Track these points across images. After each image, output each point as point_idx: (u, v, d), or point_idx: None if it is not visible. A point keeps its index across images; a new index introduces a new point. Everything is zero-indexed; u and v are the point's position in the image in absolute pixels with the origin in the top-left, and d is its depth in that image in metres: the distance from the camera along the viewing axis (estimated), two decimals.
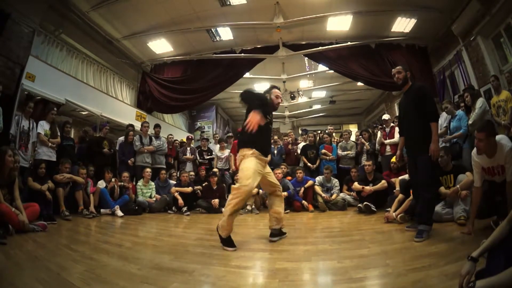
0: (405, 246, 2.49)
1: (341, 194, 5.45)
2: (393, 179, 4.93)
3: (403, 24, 7.12)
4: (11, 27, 5.03)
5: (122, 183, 5.28)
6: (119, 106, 7.97)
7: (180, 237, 3.27)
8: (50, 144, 4.80)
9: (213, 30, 7.51)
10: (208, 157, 7.02)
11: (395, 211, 3.70)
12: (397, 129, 5.76)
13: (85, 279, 1.79)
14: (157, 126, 6.58)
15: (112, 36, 7.45)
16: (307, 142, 6.61)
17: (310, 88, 11.70)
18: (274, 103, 2.95)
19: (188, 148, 7.05)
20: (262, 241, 2.87)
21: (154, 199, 5.49)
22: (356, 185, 4.99)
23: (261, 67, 8.80)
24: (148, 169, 5.68)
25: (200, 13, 6.81)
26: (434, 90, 7.18)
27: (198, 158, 6.97)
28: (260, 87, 10.63)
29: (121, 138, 6.21)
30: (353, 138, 6.92)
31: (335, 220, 4.34)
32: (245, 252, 2.45)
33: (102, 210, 4.87)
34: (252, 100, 2.72)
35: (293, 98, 11.16)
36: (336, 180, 5.63)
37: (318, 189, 5.34)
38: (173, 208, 5.42)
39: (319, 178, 5.58)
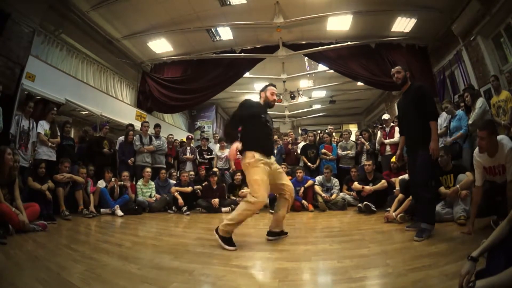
0: (405, 246, 2.49)
1: (341, 194, 5.45)
2: (393, 179, 4.93)
3: (403, 24, 7.12)
4: (11, 27, 5.03)
5: (122, 183, 5.28)
6: (119, 106, 7.97)
7: (180, 237, 3.27)
8: (50, 144, 4.80)
9: (213, 30, 7.51)
10: (208, 156, 7.02)
11: (395, 211, 3.70)
12: (397, 129, 5.76)
13: (85, 279, 1.79)
14: (157, 126, 6.58)
15: (112, 36, 7.44)
16: (307, 142, 6.61)
17: (310, 88, 11.70)
18: (269, 100, 2.94)
19: (188, 148, 7.05)
20: (262, 241, 2.87)
21: (154, 198, 5.50)
22: (356, 184, 4.99)
23: (261, 66, 8.79)
24: (148, 169, 5.68)
25: (200, 13, 6.81)
26: (434, 90, 7.18)
27: (198, 157, 6.98)
28: (260, 86, 10.62)
29: (121, 138, 6.20)
30: (353, 138, 6.92)
31: (335, 220, 4.34)
32: (245, 252, 2.45)
33: (102, 210, 4.86)
34: (231, 134, 2.85)
35: (293, 97, 11.16)
36: (336, 180, 5.63)
37: (318, 188, 5.34)
38: (173, 207, 5.42)
39: (319, 178, 5.58)
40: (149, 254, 2.44)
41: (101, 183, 5.14)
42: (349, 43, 7.78)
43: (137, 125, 7.20)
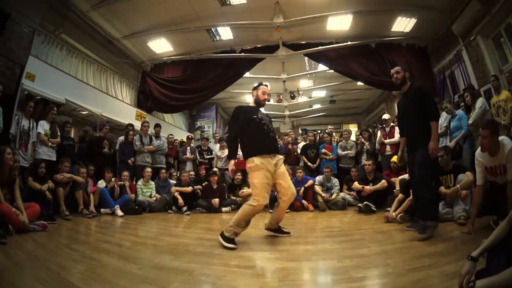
0: (405, 246, 2.49)
1: (341, 194, 5.45)
2: (393, 179, 4.93)
3: (403, 24, 7.11)
4: (11, 27, 5.02)
5: (122, 183, 5.28)
6: (119, 106, 7.97)
7: (180, 237, 3.27)
8: (50, 144, 4.80)
9: (213, 29, 7.50)
10: (208, 156, 7.02)
11: (395, 210, 3.70)
12: (397, 128, 5.76)
13: (85, 279, 1.79)
14: (157, 125, 6.58)
15: (112, 35, 7.44)
16: (307, 142, 6.61)
17: (310, 88, 11.69)
18: (260, 99, 2.97)
19: (188, 148, 7.05)
20: (262, 241, 2.87)
21: (154, 198, 5.50)
22: (356, 184, 4.99)
23: (261, 66, 8.79)
24: (149, 169, 5.68)
25: (200, 13, 6.81)
26: (434, 90, 7.18)
27: (198, 157, 6.98)
28: None
29: (121, 138, 6.20)
30: (353, 137, 6.92)
31: (335, 219, 4.34)
32: (245, 252, 2.45)
33: (102, 210, 4.87)
34: (232, 150, 3.02)
35: (293, 97, 11.16)
36: (336, 179, 5.63)
37: (318, 188, 5.34)
38: (173, 207, 5.42)
39: (319, 178, 5.58)
40: (149, 254, 2.44)
41: (101, 183, 5.14)
42: (349, 43, 7.77)
43: (137, 125, 7.19)
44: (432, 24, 6.95)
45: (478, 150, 2.81)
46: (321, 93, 12.43)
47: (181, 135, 9.64)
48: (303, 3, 6.54)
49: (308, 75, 10.61)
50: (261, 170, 2.65)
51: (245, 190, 5.42)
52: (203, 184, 5.76)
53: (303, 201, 5.20)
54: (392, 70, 3.11)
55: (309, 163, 6.27)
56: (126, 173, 5.39)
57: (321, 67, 9.37)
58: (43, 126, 4.81)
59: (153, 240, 3.11)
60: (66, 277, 1.82)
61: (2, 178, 3.25)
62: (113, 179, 5.23)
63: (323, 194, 5.28)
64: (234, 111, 2.98)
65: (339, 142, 6.67)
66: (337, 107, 13.78)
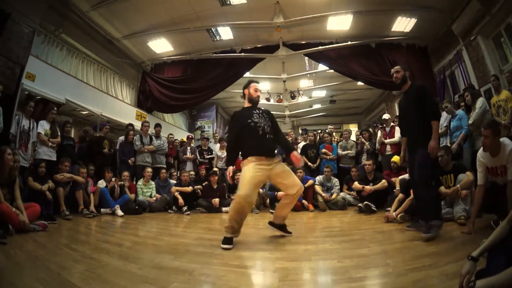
0: (405, 246, 2.49)
1: (341, 194, 5.46)
2: (393, 179, 4.93)
3: (403, 24, 7.11)
4: (11, 27, 5.02)
5: (122, 183, 5.28)
6: (119, 106, 7.97)
7: (181, 237, 3.27)
8: (50, 144, 4.80)
9: (213, 29, 7.51)
10: (208, 156, 7.02)
11: (395, 210, 3.70)
12: (397, 128, 5.77)
13: (85, 279, 1.79)
14: (157, 125, 6.58)
15: (112, 35, 7.44)
16: (307, 142, 6.61)
17: (310, 88, 11.69)
18: (253, 96, 2.96)
19: (188, 148, 7.05)
20: (262, 241, 2.87)
21: (155, 198, 5.50)
22: (356, 184, 4.99)
23: (261, 66, 8.78)
24: (149, 169, 5.68)
25: (200, 13, 6.81)
26: (435, 90, 7.18)
27: (198, 157, 6.98)
28: (260, 86, 10.60)
29: (122, 138, 6.21)
30: (353, 137, 6.92)
31: (335, 219, 4.34)
32: (245, 252, 2.45)
33: (102, 210, 4.87)
34: (231, 158, 3.03)
35: (293, 97, 11.17)
36: (336, 179, 5.63)
37: (318, 188, 5.34)
38: (174, 207, 5.42)
39: (319, 178, 5.58)
40: (150, 254, 2.43)
41: (101, 183, 5.14)
42: (349, 42, 7.78)
43: (137, 125, 7.20)
44: (432, 24, 6.95)
45: (480, 150, 2.83)
46: (321, 93, 12.42)
47: (181, 135, 9.64)
48: (303, 3, 6.54)
49: (308, 75, 10.61)
50: (251, 163, 2.71)
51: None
52: (203, 184, 5.76)
53: (303, 201, 5.19)
54: (392, 70, 3.11)
55: (309, 163, 6.27)
56: (126, 174, 5.40)
57: (321, 67, 9.37)
58: (43, 126, 4.81)
59: (153, 240, 3.11)
60: (66, 277, 1.81)
61: (2, 178, 3.25)
62: (113, 179, 5.23)
63: (323, 194, 5.28)
64: (231, 119, 3.02)
65: (339, 142, 6.67)
66: (337, 107, 13.78)
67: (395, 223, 3.56)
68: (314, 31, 7.60)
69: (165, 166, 6.40)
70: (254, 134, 2.77)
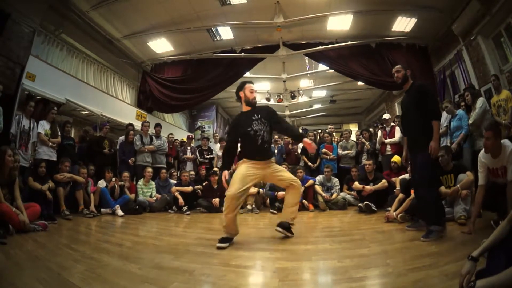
0: (405, 246, 2.49)
1: (342, 194, 5.46)
2: (393, 179, 4.93)
3: (403, 24, 7.11)
4: (11, 27, 5.02)
5: (123, 183, 5.28)
6: (119, 106, 7.97)
7: (181, 237, 3.27)
8: (50, 144, 4.80)
9: (213, 29, 7.51)
10: (208, 156, 7.03)
11: (395, 210, 3.70)
12: (397, 128, 5.78)
13: (85, 279, 1.79)
14: (157, 125, 6.59)
15: (112, 35, 7.44)
16: None
17: (310, 88, 11.69)
18: (249, 98, 2.87)
19: (189, 148, 7.06)
20: (262, 241, 2.87)
21: (155, 198, 5.50)
22: (356, 184, 4.99)
23: (262, 66, 8.79)
24: (150, 169, 5.68)
25: (200, 13, 6.81)
26: (435, 90, 7.17)
27: (199, 157, 6.98)
28: (261, 86, 10.64)
29: (122, 138, 6.21)
30: (353, 137, 6.92)
31: (336, 219, 4.34)
32: (245, 252, 2.45)
33: (102, 210, 4.87)
34: (223, 162, 3.09)
35: (293, 97, 11.16)
36: (337, 179, 5.63)
37: (318, 188, 5.34)
38: (174, 207, 5.42)
39: (319, 178, 5.58)
40: (150, 254, 2.43)
41: (102, 183, 5.14)
42: (349, 42, 7.77)
43: (138, 125, 7.20)
44: (432, 24, 6.95)
45: (482, 151, 2.84)
46: (322, 93, 12.42)
47: (182, 135, 9.64)
48: (303, 3, 6.54)
49: (308, 75, 10.60)
50: (245, 163, 2.77)
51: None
52: (204, 184, 5.76)
53: (304, 201, 5.19)
54: (393, 69, 3.10)
55: (309, 163, 6.27)
56: (126, 174, 5.40)
57: (322, 67, 9.36)
58: (44, 126, 4.81)
59: (154, 240, 3.11)
60: (67, 277, 1.81)
61: (2, 178, 3.25)
62: (113, 179, 5.23)
63: (324, 194, 5.28)
64: (230, 124, 3.03)
65: (339, 142, 6.68)
66: (337, 107, 13.78)
67: (395, 223, 3.56)
68: (314, 31, 7.60)
69: (165, 166, 6.40)
70: (253, 143, 2.78)
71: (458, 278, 1.39)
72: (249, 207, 5.18)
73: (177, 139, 7.78)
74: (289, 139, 7.02)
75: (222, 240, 2.58)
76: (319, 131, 8.18)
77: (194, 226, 4.12)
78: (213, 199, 5.30)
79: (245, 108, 2.92)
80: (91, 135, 6.37)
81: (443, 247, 2.35)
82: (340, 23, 7.21)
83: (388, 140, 5.78)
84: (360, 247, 2.53)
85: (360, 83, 9.55)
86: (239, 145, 3.00)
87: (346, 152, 6.24)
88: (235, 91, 2.98)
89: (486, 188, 2.80)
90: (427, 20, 6.81)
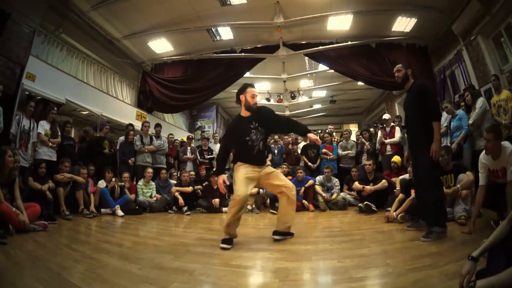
0: (405, 246, 2.49)
1: (342, 194, 5.45)
2: (393, 179, 4.93)
3: (403, 24, 7.11)
4: (11, 27, 5.02)
5: (123, 183, 5.28)
6: (119, 106, 7.97)
7: (181, 237, 3.27)
8: (50, 144, 4.80)
9: (213, 29, 7.51)
10: (208, 156, 7.02)
11: (395, 210, 3.70)
12: (397, 128, 5.78)
13: (85, 279, 1.79)
14: (158, 125, 6.59)
15: (112, 35, 7.44)
16: (308, 142, 6.61)
17: (310, 88, 11.69)
18: (250, 104, 2.79)
19: (189, 148, 7.06)
20: (262, 241, 2.87)
21: (155, 198, 5.49)
22: (356, 184, 4.99)
23: (262, 66, 8.79)
24: (150, 170, 5.68)
25: (200, 13, 6.81)
26: (435, 90, 7.18)
27: (199, 157, 6.98)
28: (261, 86, 10.64)
29: (122, 138, 6.21)
30: (353, 137, 6.92)
31: (336, 219, 4.34)
32: (246, 252, 2.45)
33: (102, 210, 4.87)
34: (217, 167, 3.05)
35: (293, 97, 11.18)
36: (337, 179, 5.63)
37: (318, 188, 5.34)
38: (174, 207, 5.42)
39: (319, 178, 5.58)
40: (150, 254, 2.43)
41: (102, 183, 5.13)
42: (349, 42, 7.77)
43: (138, 125, 7.20)
44: (433, 24, 6.95)
45: (483, 153, 2.85)
46: (322, 93, 12.42)
47: (182, 135, 9.65)
48: (304, 3, 6.54)
49: (308, 75, 10.60)
50: (242, 166, 2.76)
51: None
52: (204, 184, 5.76)
53: (304, 201, 5.20)
54: (394, 69, 3.10)
55: (309, 163, 6.27)
56: (126, 175, 5.39)
57: (322, 67, 9.36)
58: (44, 126, 4.81)
59: (154, 240, 3.11)
60: (67, 277, 1.82)
61: (2, 178, 3.26)
62: (113, 179, 5.22)
63: (324, 194, 5.28)
64: (228, 128, 3.00)
65: (339, 142, 6.68)
66: (337, 107, 13.79)
67: (395, 223, 3.56)
68: (314, 31, 7.60)
69: (165, 166, 6.39)
70: (249, 152, 2.79)
71: (458, 278, 1.39)
72: (249, 207, 5.18)
73: (177, 139, 7.78)
74: (289, 139, 7.03)
75: (225, 241, 2.58)
76: (319, 131, 8.19)
77: (194, 227, 4.12)
78: (213, 200, 5.30)
79: (244, 113, 2.86)
80: (91, 135, 6.36)
81: (443, 247, 2.34)
82: (340, 23, 7.21)
83: (388, 140, 5.79)
84: (360, 247, 2.53)
85: (360, 83, 9.55)
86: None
87: (346, 152, 6.24)
88: (236, 91, 2.91)
89: (486, 189, 2.80)
90: (427, 20, 6.81)
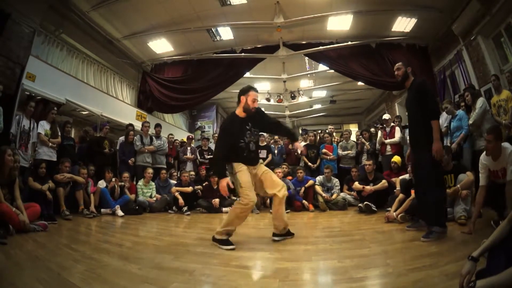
0: (405, 246, 2.49)
1: (342, 194, 5.45)
2: (393, 179, 4.93)
3: (403, 24, 7.11)
4: (11, 27, 5.02)
5: (123, 183, 5.28)
6: (119, 106, 7.97)
7: (181, 237, 3.27)
8: (50, 144, 4.80)
9: (213, 29, 7.51)
10: (208, 156, 7.01)
11: (395, 210, 3.70)
12: (397, 128, 5.78)
13: (85, 279, 1.79)
14: (158, 125, 6.59)
15: (112, 36, 7.44)
16: (308, 142, 6.61)
17: (310, 88, 11.69)
18: (249, 107, 2.77)
19: (189, 148, 7.05)
20: (262, 241, 2.87)
21: (155, 198, 5.49)
22: (356, 184, 4.99)
23: (262, 66, 8.80)
24: (150, 170, 5.68)
25: (201, 13, 6.81)
26: (435, 90, 7.18)
27: (199, 157, 6.98)
28: (261, 86, 10.63)
29: (122, 138, 6.21)
30: (353, 137, 6.92)
31: (336, 219, 4.34)
32: (246, 252, 2.45)
33: (102, 210, 4.87)
34: (219, 168, 2.83)
35: (293, 97, 11.17)
36: (337, 179, 5.63)
37: (318, 188, 5.34)
38: (174, 207, 5.41)
39: (319, 178, 5.58)
40: (150, 254, 2.44)
41: (102, 183, 5.13)
42: (349, 43, 7.77)
43: (138, 125, 7.20)
44: (433, 24, 6.95)
45: (483, 154, 2.86)
46: (322, 93, 12.43)
47: (182, 135, 9.65)
48: (304, 3, 6.54)
49: (308, 75, 10.60)
50: (243, 170, 2.74)
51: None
52: (204, 184, 5.76)
53: (304, 201, 5.20)
54: (394, 67, 3.10)
55: (309, 163, 6.27)
56: (126, 175, 5.39)
57: (322, 67, 9.37)
58: (44, 126, 4.81)
59: (154, 240, 3.11)
60: (67, 277, 1.82)
61: (2, 178, 3.26)
62: (113, 179, 5.22)
63: (324, 194, 5.27)
64: (222, 128, 2.95)
65: (339, 142, 6.67)
66: (337, 107, 13.79)
67: (395, 223, 3.56)
68: (314, 31, 7.60)
69: (165, 166, 6.39)
70: (242, 153, 2.78)
71: (458, 278, 1.39)
72: None
73: (177, 140, 7.78)
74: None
75: (227, 243, 2.58)
76: (319, 131, 8.18)
77: (194, 227, 4.13)
78: (213, 200, 5.30)
79: (241, 114, 2.83)
80: (91, 135, 6.36)
81: (443, 247, 2.35)
82: (340, 23, 7.21)
83: (388, 141, 5.78)
84: (360, 247, 2.53)
85: (360, 83, 9.55)
86: None
87: (346, 152, 6.24)
88: (236, 91, 2.94)
89: (486, 189, 2.80)
90: (427, 20, 6.81)
